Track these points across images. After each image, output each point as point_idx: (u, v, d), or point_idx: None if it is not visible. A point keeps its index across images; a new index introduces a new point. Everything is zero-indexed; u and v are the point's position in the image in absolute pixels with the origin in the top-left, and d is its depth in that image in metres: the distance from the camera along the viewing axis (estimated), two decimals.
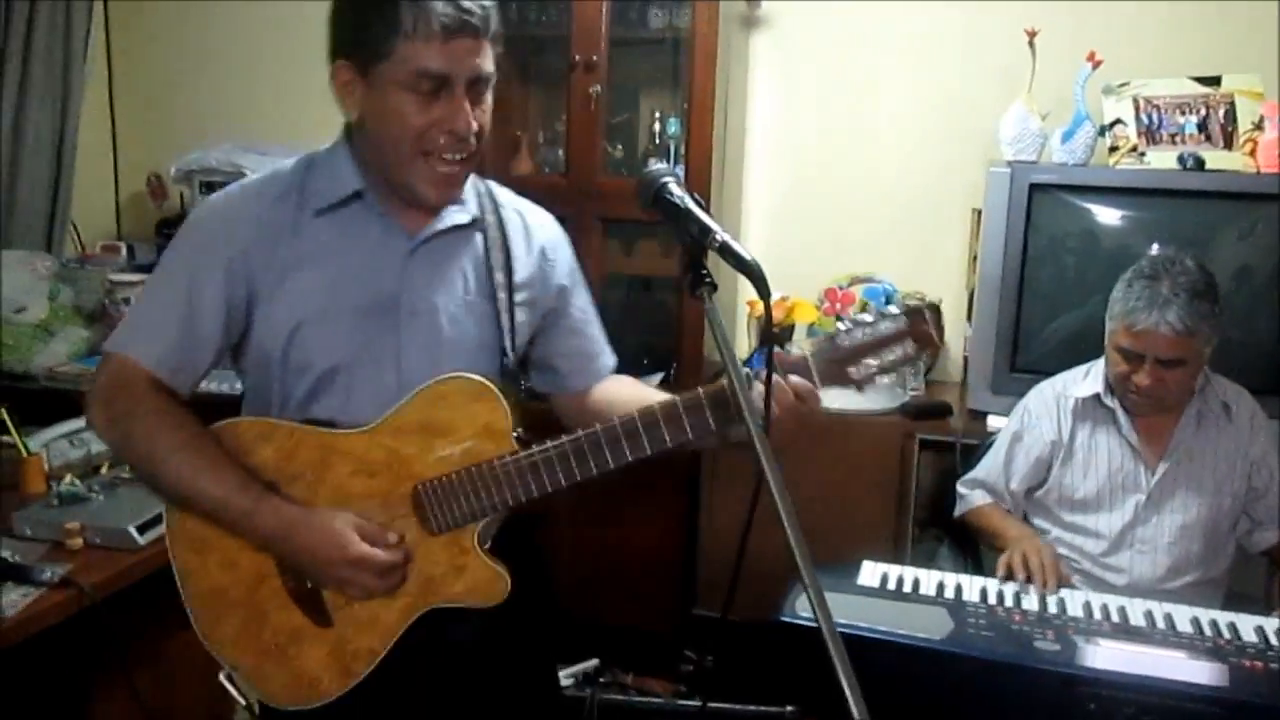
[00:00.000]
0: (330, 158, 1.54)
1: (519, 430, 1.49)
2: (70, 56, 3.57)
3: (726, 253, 1.18)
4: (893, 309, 1.40)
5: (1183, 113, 2.77)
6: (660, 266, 3.35)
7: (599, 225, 3.14)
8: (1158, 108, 2.78)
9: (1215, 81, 2.76)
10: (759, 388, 1.28)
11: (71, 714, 2.18)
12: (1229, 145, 2.74)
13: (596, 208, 3.12)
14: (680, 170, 3.05)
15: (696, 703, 2.91)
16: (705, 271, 1.22)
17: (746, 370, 1.32)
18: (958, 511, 2.47)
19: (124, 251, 3.66)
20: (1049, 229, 2.78)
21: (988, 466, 2.43)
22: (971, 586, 2.02)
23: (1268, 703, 1.66)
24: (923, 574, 2.06)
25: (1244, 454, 2.22)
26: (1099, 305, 2.23)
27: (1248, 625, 1.90)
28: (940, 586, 2.01)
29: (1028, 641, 1.80)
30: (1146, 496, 2.23)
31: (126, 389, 1.46)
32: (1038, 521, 2.36)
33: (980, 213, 2.89)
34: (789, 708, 2.61)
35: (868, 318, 1.39)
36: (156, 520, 2.08)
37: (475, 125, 1.44)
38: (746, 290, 3.22)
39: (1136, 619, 1.92)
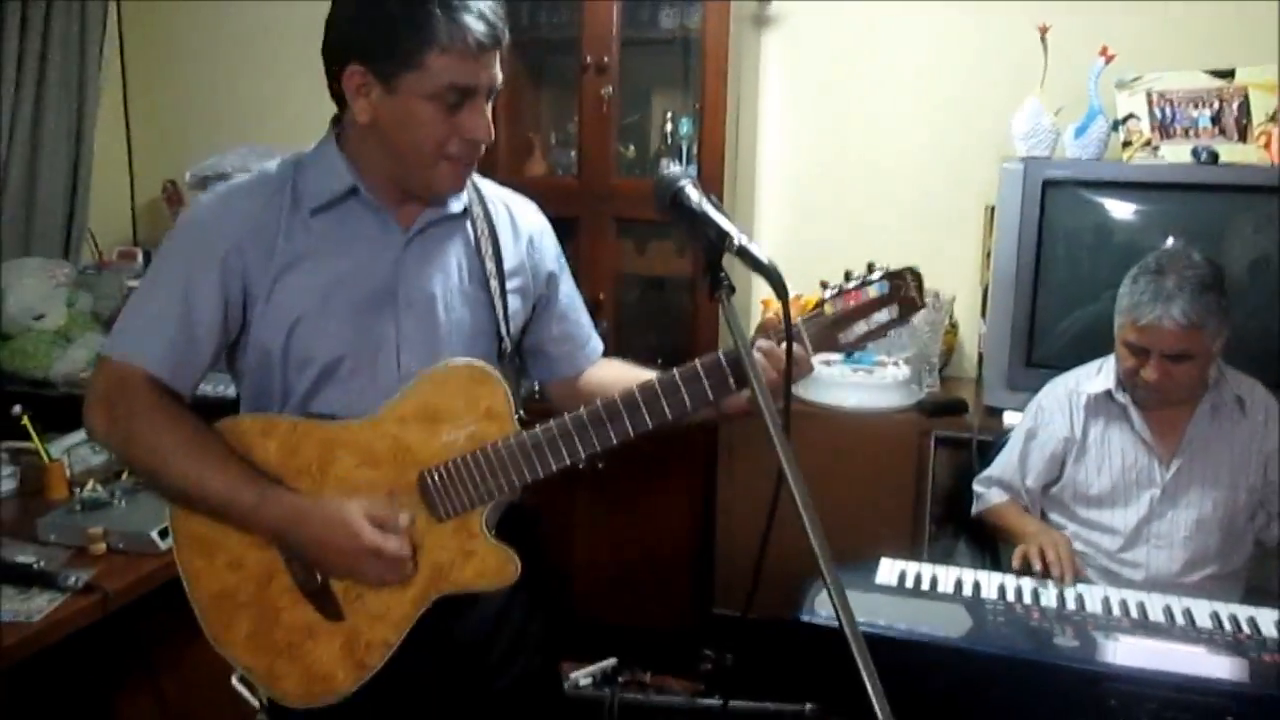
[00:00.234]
0: (320, 157, 1.54)
1: (520, 412, 1.51)
2: (85, 65, 3.59)
3: (745, 256, 1.19)
4: (875, 275, 1.45)
5: (1196, 106, 2.76)
6: (673, 266, 3.36)
7: (612, 225, 3.16)
8: (1171, 101, 2.77)
9: (1229, 74, 2.75)
10: (758, 357, 1.36)
11: (97, 719, 2.20)
12: (1243, 138, 2.73)
13: (609, 208, 3.13)
14: (693, 170, 3.05)
15: (717, 701, 2.92)
16: (723, 274, 1.23)
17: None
18: (975, 510, 2.47)
19: (140, 258, 3.68)
20: (1063, 224, 2.77)
21: (1003, 464, 2.44)
22: (990, 583, 2.02)
23: None
24: (940, 571, 2.06)
25: (1259, 447, 2.22)
26: (1113, 300, 2.23)
27: (1268, 619, 1.89)
28: (959, 583, 2.02)
29: (1047, 638, 1.81)
30: (1161, 491, 2.23)
31: (126, 391, 1.46)
32: (1054, 517, 2.36)
33: (993, 209, 2.89)
34: (808, 706, 2.62)
35: (851, 284, 1.45)
36: None
37: (492, 132, 1.47)
38: (760, 288, 3.23)
39: (1156, 614, 1.92)
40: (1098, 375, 2.32)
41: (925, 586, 2.01)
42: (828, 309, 1.46)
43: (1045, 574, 2.08)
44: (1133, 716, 1.70)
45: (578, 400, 1.67)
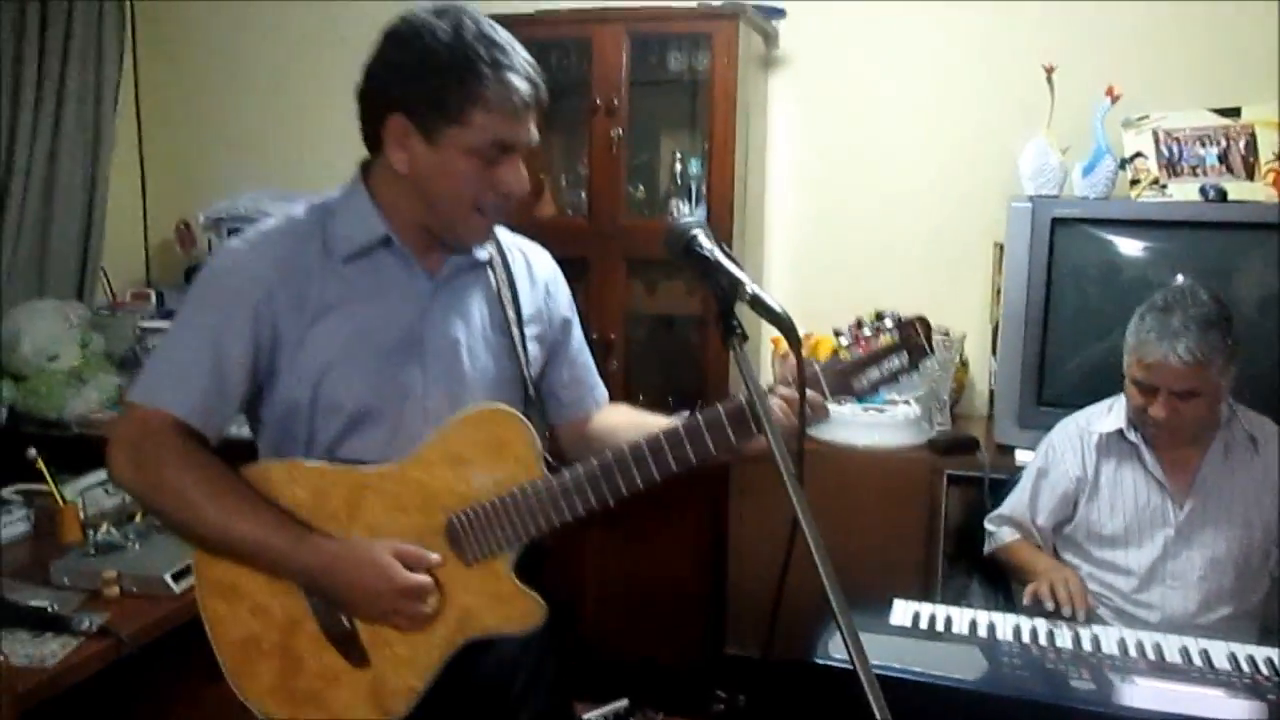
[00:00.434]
0: (351, 204, 1.54)
1: (547, 456, 1.52)
2: (101, 106, 3.64)
3: (758, 305, 1.20)
4: (887, 323, 1.51)
5: (1203, 144, 2.78)
6: (683, 305, 3.37)
7: (622, 265, 3.17)
8: (1178, 140, 2.79)
9: (1235, 113, 2.77)
10: (776, 403, 1.40)
11: None
12: (1250, 176, 2.75)
13: (619, 248, 3.15)
14: (702, 210, 3.07)
15: None
16: (736, 322, 1.24)
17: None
18: (987, 549, 2.46)
19: (154, 299, 3.72)
20: (1072, 262, 2.78)
21: (1014, 503, 2.43)
22: (1005, 625, 2.01)
23: None
24: (955, 612, 2.05)
25: (1272, 486, 2.21)
26: (1123, 338, 2.23)
27: None
28: (973, 625, 2.01)
29: (1063, 680, 1.79)
30: (1175, 531, 2.22)
31: (154, 437, 1.46)
32: (1068, 558, 2.35)
33: (1002, 246, 2.90)
34: None
35: (866, 331, 1.51)
36: (191, 568, 2.11)
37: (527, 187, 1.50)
38: (771, 326, 3.23)
39: (1172, 655, 1.91)
40: (1108, 414, 2.32)
41: (940, 628, 2.00)
42: (843, 355, 1.51)
43: (1056, 610, 2.07)
44: None
45: (586, 443, 1.70)
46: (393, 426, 1.52)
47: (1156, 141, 2.81)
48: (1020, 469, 2.54)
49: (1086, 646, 1.95)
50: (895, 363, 1.51)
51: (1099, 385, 2.44)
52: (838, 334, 1.53)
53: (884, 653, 1.84)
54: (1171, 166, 2.80)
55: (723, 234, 2.92)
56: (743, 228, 3.17)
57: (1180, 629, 2.07)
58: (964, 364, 3.26)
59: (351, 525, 1.50)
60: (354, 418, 1.51)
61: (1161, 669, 1.86)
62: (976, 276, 3.26)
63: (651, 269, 3.30)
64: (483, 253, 1.59)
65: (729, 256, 1.28)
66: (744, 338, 1.24)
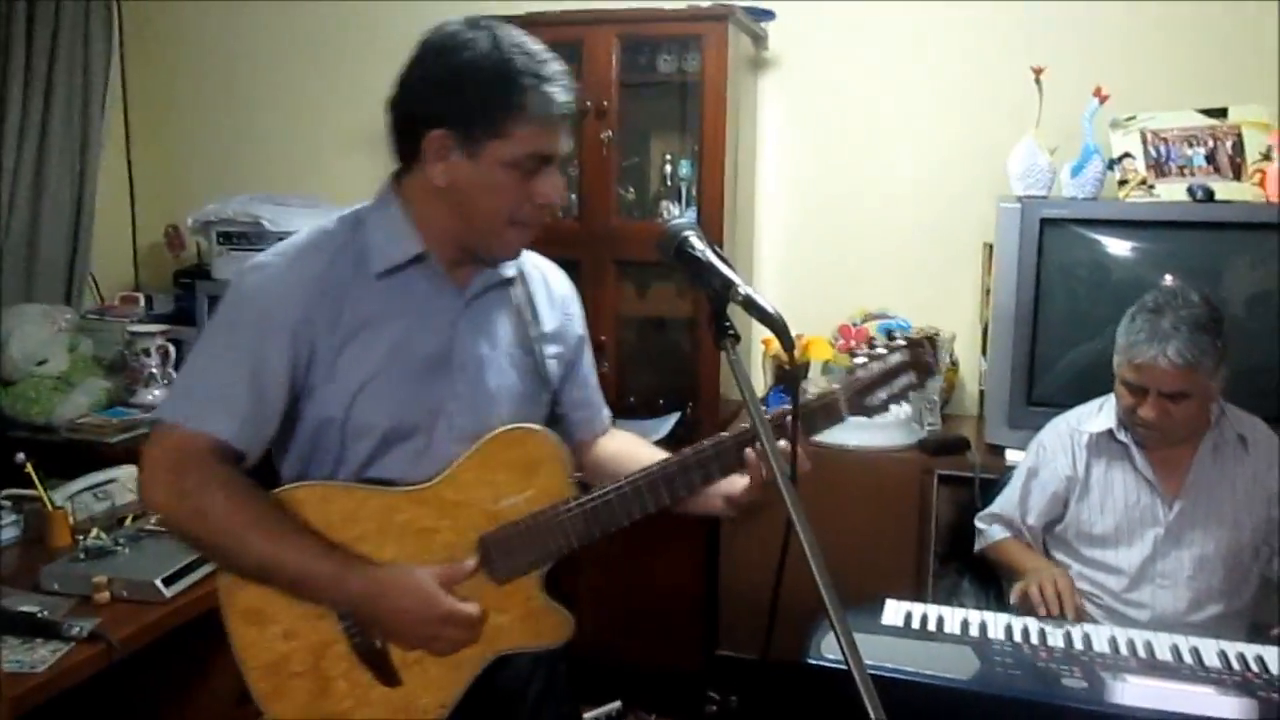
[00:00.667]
0: (383, 217, 1.52)
1: (577, 474, 1.54)
2: (89, 109, 3.63)
3: (750, 306, 1.21)
4: (898, 342, 1.56)
5: (1190, 145, 2.80)
6: (674, 308, 3.38)
7: (613, 268, 3.17)
8: (1165, 140, 2.80)
9: (1222, 113, 2.78)
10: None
11: None
12: (1238, 176, 2.76)
13: (610, 250, 3.15)
14: (692, 212, 3.08)
15: None
16: (728, 324, 1.24)
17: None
18: (977, 547, 2.47)
19: (142, 302, 3.70)
20: (1061, 263, 2.79)
21: (1004, 501, 2.44)
22: (996, 624, 2.02)
23: None
24: (946, 611, 2.06)
25: (1262, 485, 2.22)
26: (1113, 338, 2.24)
27: (1275, 658, 1.89)
28: (965, 624, 2.01)
29: (1055, 679, 1.80)
30: (1165, 530, 2.23)
31: (195, 461, 1.43)
32: (1059, 557, 2.36)
33: (992, 246, 2.91)
34: None
35: (880, 351, 1.55)
36: (182, 573, 2.11)
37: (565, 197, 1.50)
38: (762, 327, 3.24)
39: (1163, 653, 1.92)
40: (1099, 414, 2.33)
41: (931, 627, 2.00)
42: (859, 375, 1.55)
43: (1045, 609, 2.08)
44: None
45: (590, 464, 1.71)
46: (422, 444, 1.51)
47: (1144, 142, 2.82)
48: (1010, 469, 2.55)
49: (1078, 645, 1.95)
50: (904, 381, 1.56)
51: (1089, 385, 2.45)
52: (852, 354, 1.58)
53: (876, 653, 1.84)
54: (1159, 167, 2.81)
55: (713, 235, 2.91)
56: (733, 229, 3.17)
57: (1170, 627, 2.07)
58: (954, 364, 3.27)
59: (384, 546, 1.49)
60: (386, 436, 1.50)
61: (1152, 667, 1.86)
62: (966, 277, 3.27)
63: (642, 271, 3.29)
64: (509, 269, 1.59)
65: (721, 258, 1.28)
66: (736, 339, 1.25)
